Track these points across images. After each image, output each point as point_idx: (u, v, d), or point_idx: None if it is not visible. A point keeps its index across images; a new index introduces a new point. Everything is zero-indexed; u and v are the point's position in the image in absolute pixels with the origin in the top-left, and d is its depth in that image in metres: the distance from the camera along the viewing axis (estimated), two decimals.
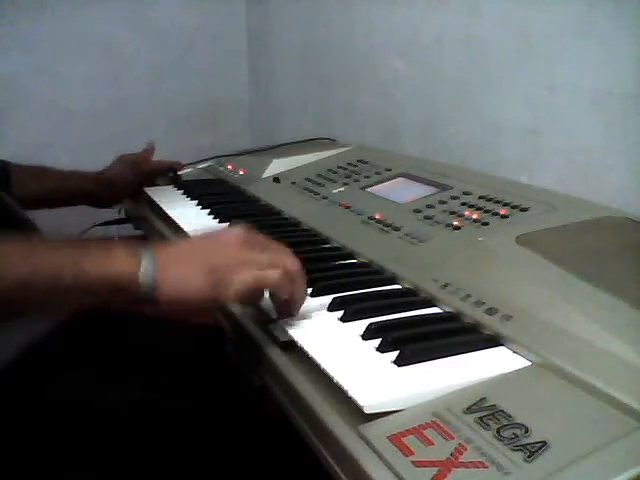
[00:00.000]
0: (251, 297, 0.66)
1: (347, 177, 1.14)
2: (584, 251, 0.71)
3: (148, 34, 2.11)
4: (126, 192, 1.29)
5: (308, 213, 1.03)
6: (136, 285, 0.61)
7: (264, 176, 1.29)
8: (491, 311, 0.62)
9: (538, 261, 0.67)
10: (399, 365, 0.55)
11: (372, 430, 0.48)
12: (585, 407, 0.48)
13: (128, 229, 1.36)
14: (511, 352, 0.58)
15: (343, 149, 1.34)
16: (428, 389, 0.52)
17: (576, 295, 0.61)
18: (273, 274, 0.63)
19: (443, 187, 0.96)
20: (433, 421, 0.47)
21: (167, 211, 1.11)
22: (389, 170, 1.11)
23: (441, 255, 0.77)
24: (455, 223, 0.83)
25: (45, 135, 1.97)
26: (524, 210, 0.82)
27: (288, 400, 0.60)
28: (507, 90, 1.16)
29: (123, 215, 1.37)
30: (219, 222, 1.03)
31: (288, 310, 0.66)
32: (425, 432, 0.46)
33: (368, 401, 0.49)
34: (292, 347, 0.63)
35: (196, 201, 1.17)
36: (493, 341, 0.60)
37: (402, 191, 1.00)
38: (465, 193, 0.92)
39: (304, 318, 0.66)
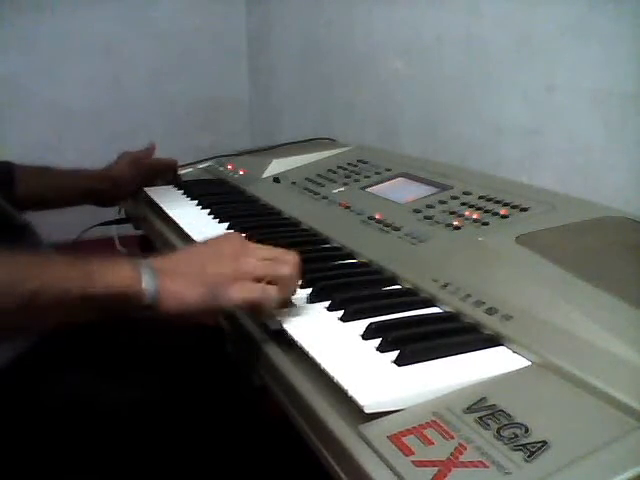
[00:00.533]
0: (251, 308, 0.67)
1: (347, 177, 1.14)
2: (584, 251, 0.71)
3: (148, 34, 2.11)
4: (129, 189, 1.29)
5: (308, 213, 1.03)
6: (139, 298, 0.62)
7: (264, 176, 1.29)
8: (491, 311, 0.62)
9: (538, 261, 0.67)
10: (399, 365, 0.55)
11: (372, 430, 0.48)
12: (585, 407, 0.48)
13: (128, 229, 1.36)
14: (511, 352, 0.58)
15: (343, 149, 1.34)
16: (428, 389, 0.52)
17: (576, 295, 0.61)
18: (271, 293, 0.64)
19: (443, 187, 0.96)
20: (433, 421, 0.47)
21: (167, 211, 1.11)
22: (389, 170, 1.11)
23: (441, 255, 0.77)
24: (455, 223, 0.83)
25: (45, 135, 1.97)
26: (524, 210, 0.82)
27: (288, 400, 0.60)
28: (507, 90, 1.16)
29: (123, 215, 1.37)
30: (219, 222, 1.03)
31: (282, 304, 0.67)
32: (425, 432, 0.46)
33: (368, 401, 0.49)
34: (292, 347, 0.63)
35: (196, 201, 1.17)
36: (493, 341, 0.60)
37: (402, 191, 1.00)
38: (465, 193, 0.92)
39: (304, 318, 0.66)
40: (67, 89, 2.01)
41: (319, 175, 1.20)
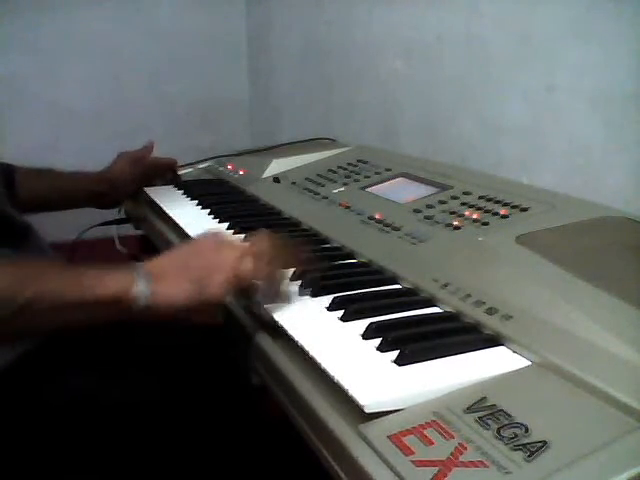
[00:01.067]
0: (240, 291, 0.70)
1: (347, 177, 1.14)
2: (584, 251, 0.71)
3: (148, 34, 2.11)
4: (129, 190, 1.29)
5: (308, 213, 1.03)
6: (133, 301, 0.65)
7: (264, 176, 1.29)
8: (491, 311, 0.62)
9: (538, 261, 0.67)
10: (399, 365, 0.55)
11: (372, 430, 0.48)
12: (585, 407, 0.48)
13: (128, 229, 1.36)
14: (511, 352, 0.58)
15: (343, 149, 1.34)
16: (428, 389, 0.52)
17: (576, 295, 0.61)
18: (245, 264, 0.67)
19: (443, 187, 0.96)
20: (433, 420, 0.47)
21: (167, 211, 1.11)
22: (389, 170, 1.11)
23: (441, 255, 0.77)
24: (455, 223, 0.83)
25: (45, 135, 1.97)
26: (524, 210, 0.82)
27: (288, 400, 0.60)
28: (507, 90, 1.16)
29: (123, 215, 1.37)
30: (219, 222, 1.03)
31: (268, 291, 0.69)
32: (425, 432, 0.46)
33: (368, 400, 0.49)
34: (292, 346, 0.63)
35: (196, 201, 1.17)
36: (493, 341, 0.60)
37: (402, 191, 1.00)
38: (465, 193, 0.92)
39: (304, 318, 0.66)
40: (67, 89, 2.01)
41: (319, 175, 1.20)
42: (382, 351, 0.58)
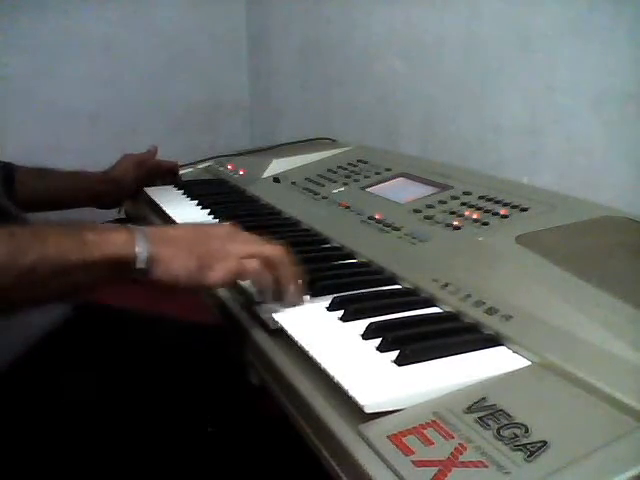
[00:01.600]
0: (236, 287, 0.71)
1: (347, 177, 1.14)
2: (584, 251, 0.71)
3: (148, 34, 2.11)
4: (130, 191, 1.29)
5: (308, 213, 1.03)
6: (133, 262, 0.64)
7: (264, 176, 1.29)
8: (491, 311, 0.62)
9: (538, 261, 0.67)
10: (399, 365, 0.55)
11: (372, 430, 0.47)
12: (585, 407, 0.48)
13: None
14: (511, 352, 0.58)
15: (343, 149, 1.34)
16: (428, 389, 0.52)
17: (576, 295, 0.61)
18: (252, 263, 0.67)
19: (443, 187, 0.96)
20: (433, 421, 0.47)
21: (167, 211, 1.11)
22: (389, 170, 1.11)
23: (441, 255, 0.77)
24: (455, 223, 0.83)
25: (45, 135, 1.96)
26: (524, 210, 0.82)
27: (288, 400, 0.60)
28: (507, 90, 1.16)
29: (123, 215, 1.37)
30: (219, 222, 1.03)
31: (277, 295, 0.69)
32: (425, 432, 0.46)
33: (368, 400, 0.49)
34: (292, 346, 0.63)
35: (196, 201, 1.17)
36: (493, 341, 0.60)
37: (402, 191, 1.00)
38: (465, 193, 0.92)
39: (304, 318, 0.66)
40: (67, 89, 2.01)
41: (319, 175, 1.20)
42: (382, 351, 0.58)
